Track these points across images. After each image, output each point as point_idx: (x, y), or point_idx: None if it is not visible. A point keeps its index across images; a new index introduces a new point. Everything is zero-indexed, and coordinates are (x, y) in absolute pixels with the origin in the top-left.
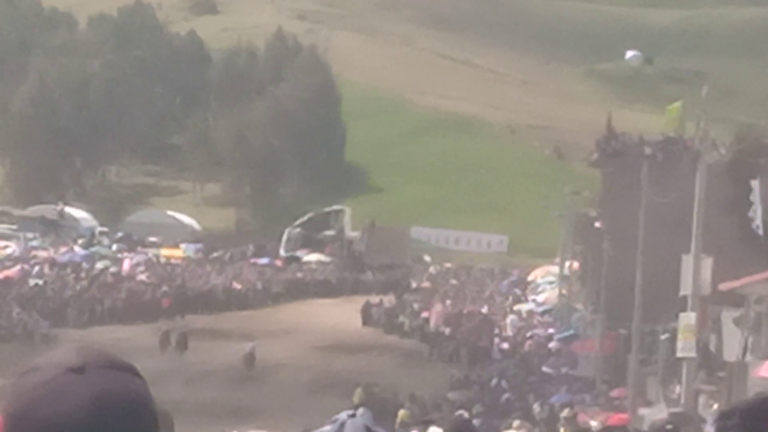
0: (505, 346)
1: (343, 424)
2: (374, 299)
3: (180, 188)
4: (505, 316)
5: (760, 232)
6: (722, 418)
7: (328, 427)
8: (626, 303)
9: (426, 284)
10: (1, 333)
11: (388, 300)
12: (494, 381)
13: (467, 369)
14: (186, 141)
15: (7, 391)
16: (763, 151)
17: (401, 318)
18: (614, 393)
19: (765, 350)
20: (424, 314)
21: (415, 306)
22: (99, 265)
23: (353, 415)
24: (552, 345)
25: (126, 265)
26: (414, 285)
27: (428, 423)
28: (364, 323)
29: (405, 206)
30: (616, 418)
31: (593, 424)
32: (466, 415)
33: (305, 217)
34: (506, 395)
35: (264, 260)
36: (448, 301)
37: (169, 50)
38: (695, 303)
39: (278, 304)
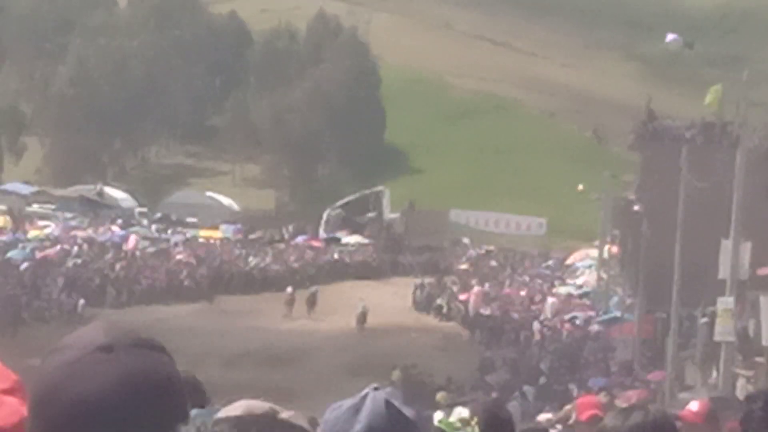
0: (544, 329)
1: (364, 397)
2: (418, 281)
3: (219, 169)
4: (543, 299)
5: None
6: (748, 401)
7: (350, 400)
8: (665, 287)
9: (465, 266)
10: (41, 313)
11: (428, 282)
12: (532, 364)
13: (505, 352)
14: (225, 122)
15: (36, 370)
16: None
17: (440, 300)
18: (652, 377)
19: None
20: (463, 297)
21: (454, 288)
22: (138, 245)
23: (377, 389)
24: (593, 328)
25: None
26: (454, 267)
27: (460, 405)
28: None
29: (444, 188)
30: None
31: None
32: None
33: (345, 199)
34: (544, 378)
35: (303, 241)
36: (487, 284)
37: (209, 31)
38: (733, 287)
39: (317, 285)
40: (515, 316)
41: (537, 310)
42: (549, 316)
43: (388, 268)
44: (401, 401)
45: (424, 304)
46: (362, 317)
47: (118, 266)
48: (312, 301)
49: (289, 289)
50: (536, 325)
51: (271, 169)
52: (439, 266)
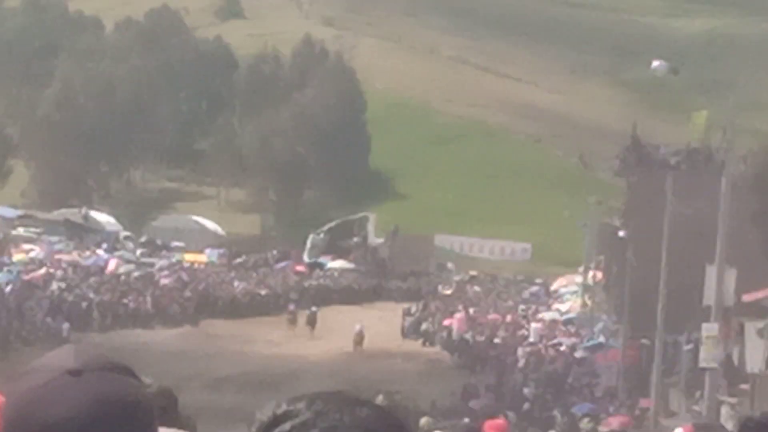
0: (528, 354)
1: None
2: (406, 306)
3: (204, 193)
4: (528, 325)
5: None
6: (743, 427)
7: None
8: (649, 313)
9: (449, 292)
10: (25, 336)
11: (412, 307)
12: (516, 389)
13: (489, 377)
14: (211, 146)
15: (6, 393)
16: None
17: (424, 325)
18: (637, 403)
19: None
20: (447, 322)
21: (438, 314)
22: (123, 269)
23: None
24: (577, 354)
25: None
26: (438, 292)
27: (440, 430)
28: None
29: (429, 214)
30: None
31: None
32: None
33: (330, 224)
34: (528, 404)
35: (288, 266)
36: (472, 309)
37: (196, 55)
38: (719, 314)
39: (302, 310)
40: (499, 341)
41: (521, 335)
42: (533, 341)
43: (373, 293)
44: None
45: (410, 329)
46: (359, 338)
47: (103, 290)
48: (312, 321)
49: (291, 307)
50: (520, 351)
51: (257, 193)
52: (423, 291)
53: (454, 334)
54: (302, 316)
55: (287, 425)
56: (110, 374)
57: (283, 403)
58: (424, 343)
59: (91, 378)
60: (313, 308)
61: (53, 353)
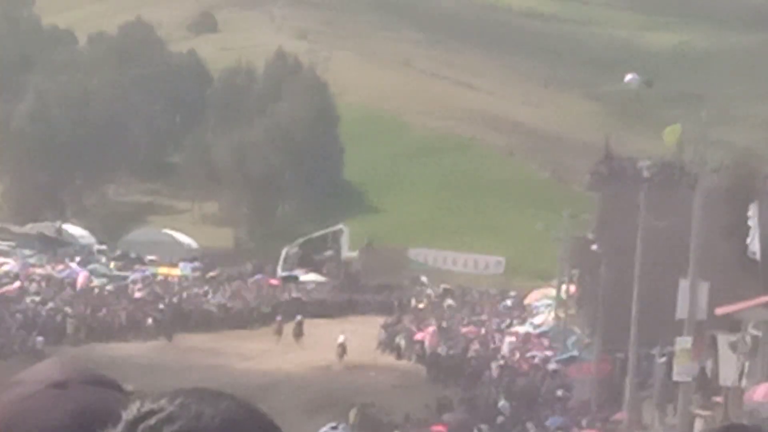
0: (502, 368)
1: None
2: (382, 321)
3: (178, 207)
4: (501, 338)
5: (757, 257)
6: None
7: None
8: (623, 326)
9: (422, 305)
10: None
11: (386, 321)
12: (490, 403)
13: (463, 391)
14: (185, 159)
15: None
16: (762, 176)
17: (398, 339)
18: (610, 416)
19: (761, 375)
20: (420, 335)
21: (412, 327)
22: (96, 282)
23: (335, 428)
24: (550, 367)
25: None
26: (412, 306)
27: None
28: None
29: (403, 227)
30: None
31: None
32: None
33: (303, 238)
34: (502, 417)
35: (261, 279)
36: (445, 323)
37: (169, 68)
38: (692, 327)
39: (274, 324)
40: (473, 355)
41: (495, 349)
42: (507, 355)
43: (346, 306)
44: None
45: (385, 342)
46: (341, 349)
47: (76, 303)
48: (298, 332)
49: (278, 318)
50: (494, 364)
51: (230, 206)
52: (397, 305)
53: (426, 348)
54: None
55: (152, 420)
56: (95, 388)
57: (147, 400)
58: (398, 357)
59: (76, 391)
60: (298, 317)
61: (39, 366)
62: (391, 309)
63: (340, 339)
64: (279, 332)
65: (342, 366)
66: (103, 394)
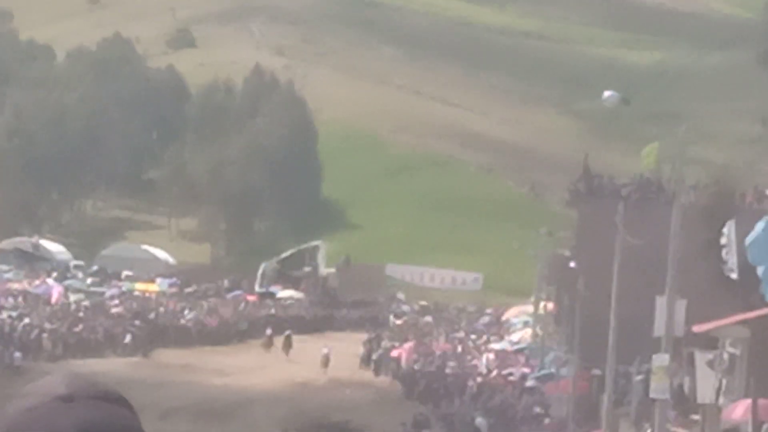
0: (479, 384)
1: None
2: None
3: (156, 222)
4: (479, 355)
5: (734, 275)
6: None
7: None
8: (600, 343)
9: (400, 322)
10: None
11: (362, 337)
12: (467, 420)
13: (440, 407)
14: (162, 175)
15: None
16: (739, 193)
17: (374, 355)
18: None
19: (738, 393)
20: (396, 352)
21: (389, 343)
22: (73, 298)
23: None
24: (528, 384)
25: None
26: (389, 322)
27: None
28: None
29: (381, 243)
30: None
31: None
32: None
33: (281, 254)
34: None
35: (238, 295)
36: (422, 339)
37: (147, 84)
38: (669, 344)
39: (252, 339)
40: (450, 371)
41: (472, 365)
42: (484, 372)
43: (323, 322)
44: None
45: (362, 359)
46: (325, 360)
47: (53, 319)
48: (288, 345)
49: (268, 332)
50: (471, 381)
51: (208, 222)
52: (374, 321)
53: (404, 364)
54: (255, 346)
55: None
56: (101, 402)
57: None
58: (375, 373)
59: (81, 405)
60: (287, 332)
61: (46, 378)
62: (369, 325)
63: (324, 350)
64: (269, 345)
65: (322, 381)
66: (108, 409)
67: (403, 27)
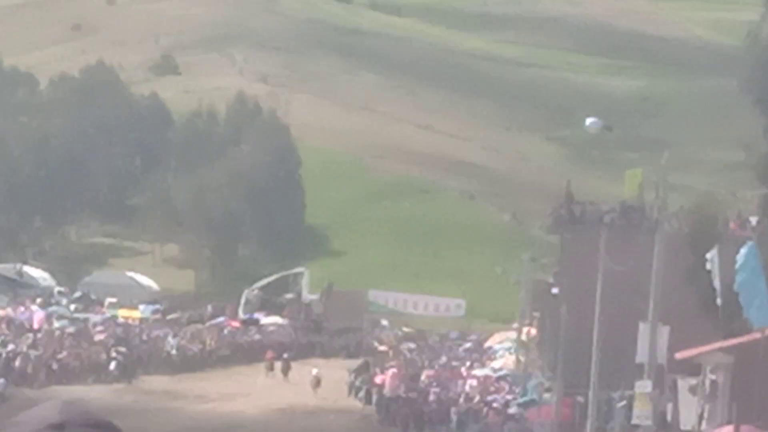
0: (462, 411)
1: None
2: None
3: (139, 249)
4: (461, 381)
5: (717, 301)
6: None
7: None
8: (583, 370)
9: (383, 348)
10: None
11: (346, 363)
12: None
13: None
14: (145, 202)
15: None
16: (722, 220)
17: (357, 382)
18: None
19: (720, 419)
20: (380, 378)
21: (371, 370)
22: (56, 324)
23: None
24: (511, 411)
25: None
26: (373, 348)
27: None
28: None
29: (364, 269)
30: None
31: None
32: None
33: (264, 280)
34: None
35: (222, 322)
36: (404, 366)
37: (130, 111)
38: (651, 371)
39: (235, 366)
40: (433, 398)
41: (455, 392)
42: (467, 398)
43: (307, 349)
44: None
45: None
46: (316, 381)
47: (37, 345)
48: (286, 368)
49: (269, 354)
50: (453, 408)
51: (192, 249)
52: (357, 347)
53: (387, 391)
54: (238, 372)
55: None
56: (92, 430)
57: None
58: (358, 400)
59: None
60: (285, 355)
61: (39, 406)
62: (352, 352)
63: (314, 371)
64: (270, 368)
65: (308, 407)
66: None
67: (386, 53)
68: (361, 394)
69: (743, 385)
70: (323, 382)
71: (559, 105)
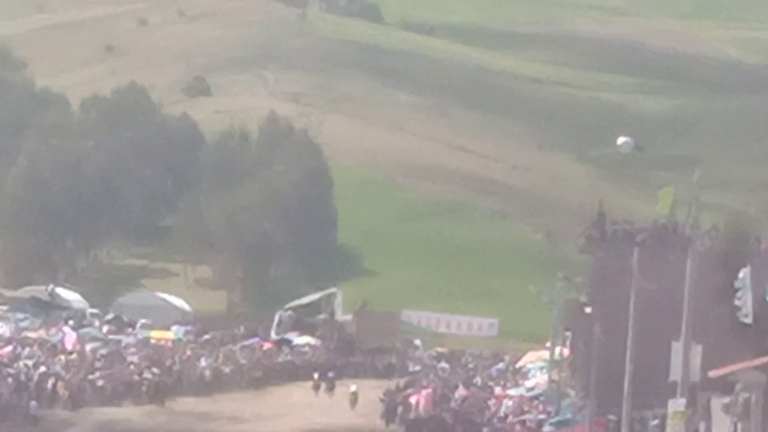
0: (496, 431)
1: None
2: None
3: (171, 270)
4: (494, 401)
5: (749, 320)
6: None
7: None
8: (616, 389)
9: (416, 368)
10: None
11: (380, 384)
12: None
13: None
14: (178, 223)
15: None
16: (754, 238)
17: (390, 402)
18: None
19: None
20: (413, 398)
21: (405, 390)
22: (89, 346)
23: None
24: (544, 430)
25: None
26: (406, 368)
27: None
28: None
29: (397, 290)
30: None
31: None
32: None
33: (297, 301)
34: None
35: (254, 343)
36: (438, 385)
37: (162, 132)
38: (685, 389)
39: (268, 387)
40: (466, 418)
41: (489, 412)
42: (500, 418)
43: (340, 369)
44: None
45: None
46: (354, 398)
47: (70, 367)
48: (330, 387)
49: (316, 375)
50: (486, 429)
51: (224, 270)
52: (390, 368)
53: (421, 411)
54: (272, 393)
55: None
56: None
57: None
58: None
59: None
60: (330, 374)
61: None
62: (386, 372)
63: (353, 388)
64: (317, 387)
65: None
66: None
67: (417, 74)
68: (394, 416)
69: None
70: (356, 401)
71: (591, 124)
